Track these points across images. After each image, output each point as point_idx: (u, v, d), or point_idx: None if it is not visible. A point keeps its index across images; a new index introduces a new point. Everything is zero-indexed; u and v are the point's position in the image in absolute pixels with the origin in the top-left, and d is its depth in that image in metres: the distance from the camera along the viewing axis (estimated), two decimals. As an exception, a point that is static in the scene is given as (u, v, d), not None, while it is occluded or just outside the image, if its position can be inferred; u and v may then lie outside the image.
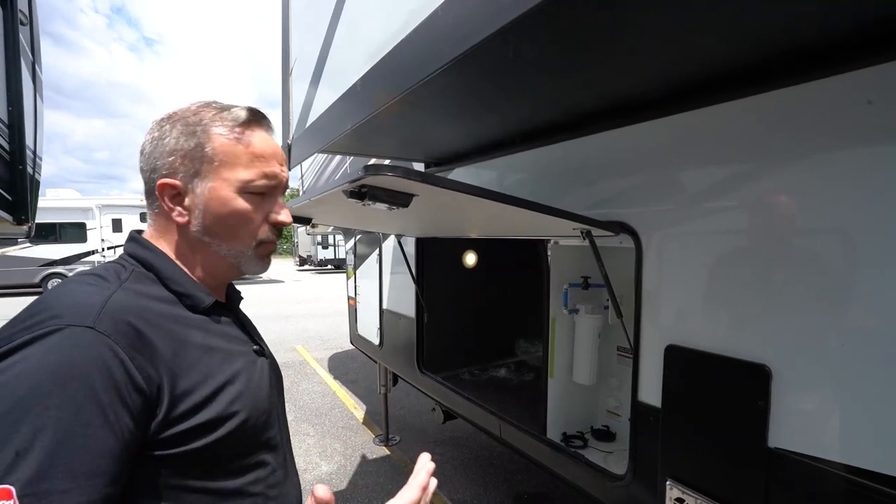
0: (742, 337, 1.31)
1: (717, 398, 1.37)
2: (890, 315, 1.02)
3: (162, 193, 0.77)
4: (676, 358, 1.48)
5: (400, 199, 1.34)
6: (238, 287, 1.00)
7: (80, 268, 12.97)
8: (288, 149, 2.35)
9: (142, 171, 0.79)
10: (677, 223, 1.49)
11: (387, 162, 2.74)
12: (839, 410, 1.11)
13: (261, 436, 0.81)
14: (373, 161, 2.77)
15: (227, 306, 0.91)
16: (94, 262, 13.79)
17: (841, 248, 1.11)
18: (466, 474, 3.64)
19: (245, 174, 0.78)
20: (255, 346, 0.89)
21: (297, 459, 4.03)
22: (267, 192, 0.81)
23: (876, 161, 1.04)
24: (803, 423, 1.17)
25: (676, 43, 1.12)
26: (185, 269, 0.80)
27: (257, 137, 0.80)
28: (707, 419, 1.39)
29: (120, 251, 0.84)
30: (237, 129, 0.78)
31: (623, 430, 2.20)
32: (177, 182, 0.76)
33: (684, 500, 1.44)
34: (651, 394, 1.56)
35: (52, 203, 13.82)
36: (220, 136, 0.77)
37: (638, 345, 1.61)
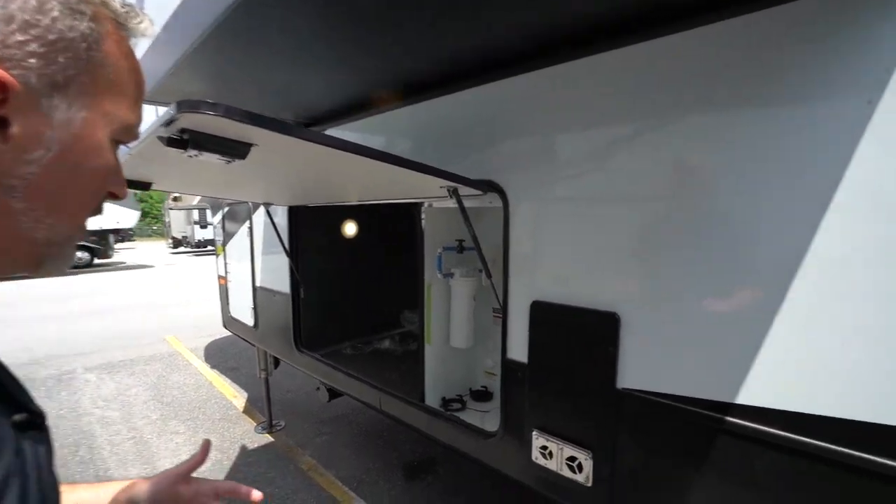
0: (596, 288, 1.37)
1: (575, 348, 1.43)
2: (714, 266, 1.12)
3: None
4: (540, 313, 1.51)
5: (234, 149, 1.15)
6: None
7: None
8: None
9: None
10: (541, 182, 1.50)
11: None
12: (675, 348, 1.21)
13: None
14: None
15: None
16: None
17: (678, 207, 1.18)
18: (356, 450, 3.56)
19: (130, 114, 0.50)
20: (20, 416, 0.49)
21: (164, 461, 3.60)
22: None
23: (714, 129, 1.11)
24: (645, 363, 1.27)
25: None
26: None
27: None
28: (566, 369, 1.45)
29: None
30: (130, 35, 0.50)
31: (499, 389, 2.27)
32: (10, 80, 0.39)
33: (548, 447, 1.51)
34: (518, 350, 1.59)
35: None
36: (117, 39, 0.48)
37: (507, 303, 1.62)
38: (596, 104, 1.34)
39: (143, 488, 0.75)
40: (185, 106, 0.90)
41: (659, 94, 1.19)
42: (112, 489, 0.74)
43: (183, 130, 1.03)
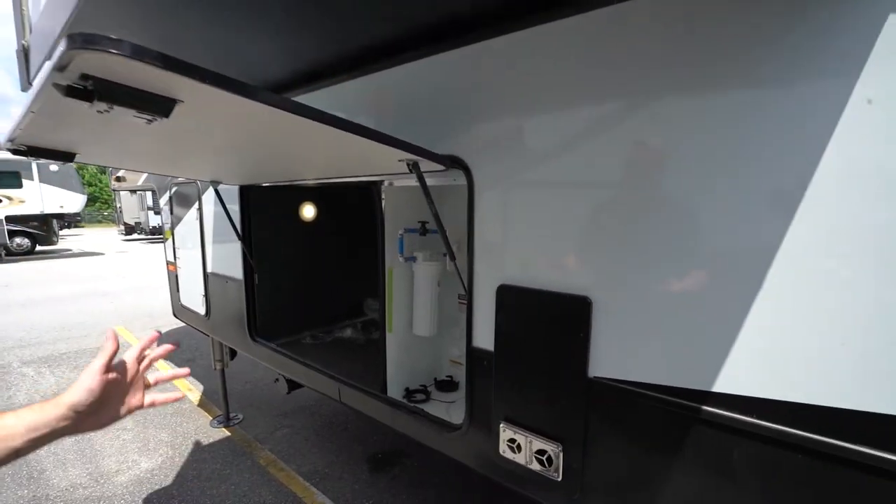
0: (567, 271, 1.28)
1: (544, 334, 1.33)
2: (692, 249, 1.04)
3: None
4: (507, 297, 1.41)
5: (154, 104, 0.97)
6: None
7: None
8: (24, 53, 1.69)
9: None
10: (508, 158, 1.38)
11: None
12: (650, 335, 1.12)
13: None
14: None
15: None
16: None
17: (655, 187, 1.09)
18: (319, 443, 3.42)
19: None
20: None
21: (109, 460, 3.36)
22: None
23: (690, 111, 1.02)
24: (619, 351, 1.18)
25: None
26: None
27: None
28: (535, 357, 1.36)
29: None
30: None
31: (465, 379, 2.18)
32: None
33: (516, 440, 1.42)
34: (484, 338, 1.49)
35: None
36: None
37: (472, 288, 1.51)
38: (567, 75, 1.23)
39: (74, 395, 0.75)
40: (78, 40, 0.72)
41: (637, 64, 1.09)
42: (37, 410, 0.73)
43: (85, 77, 0.85)
